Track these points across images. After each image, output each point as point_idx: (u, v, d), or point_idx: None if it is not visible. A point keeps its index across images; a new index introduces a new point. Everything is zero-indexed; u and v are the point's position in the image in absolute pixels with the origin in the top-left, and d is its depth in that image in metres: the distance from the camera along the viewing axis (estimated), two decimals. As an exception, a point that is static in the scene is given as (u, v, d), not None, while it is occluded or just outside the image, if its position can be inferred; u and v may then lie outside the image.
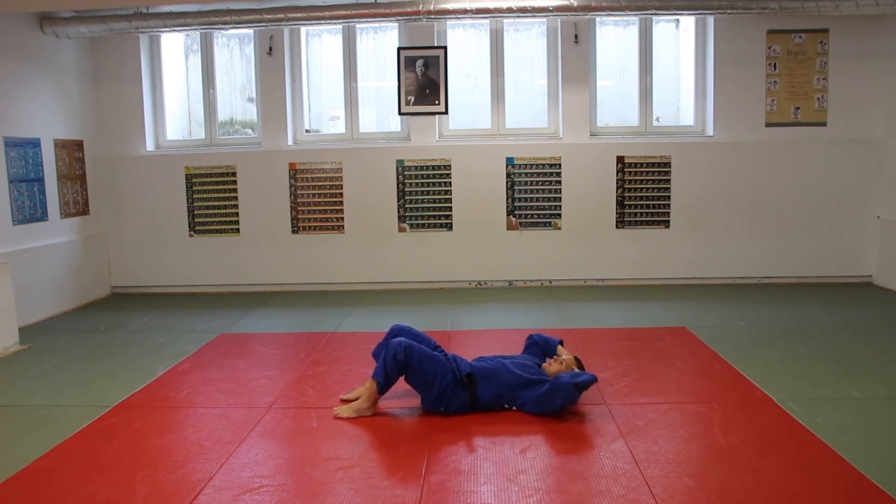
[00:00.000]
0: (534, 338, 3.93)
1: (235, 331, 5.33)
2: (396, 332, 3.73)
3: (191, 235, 6.84)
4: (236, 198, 6.77)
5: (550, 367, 3.62)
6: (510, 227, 6.69)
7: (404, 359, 3.41)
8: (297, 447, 3.20)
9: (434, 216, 6.71)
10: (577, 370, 3.55)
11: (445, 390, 3.44)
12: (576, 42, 6.51)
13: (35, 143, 5.84)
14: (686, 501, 2.62)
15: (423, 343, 3.67)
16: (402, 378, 3.52)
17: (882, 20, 6.30)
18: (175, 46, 6.98)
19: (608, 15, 6.09)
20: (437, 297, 6.41)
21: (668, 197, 6.60)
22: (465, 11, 5.89)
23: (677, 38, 6.80)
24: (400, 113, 6.66)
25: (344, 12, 6.00)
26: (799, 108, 6.52)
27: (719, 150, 6.55)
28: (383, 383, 3.46)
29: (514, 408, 3.51)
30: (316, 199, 6.74)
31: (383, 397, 3.62)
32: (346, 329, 5.28)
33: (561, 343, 3.92)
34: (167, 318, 5.79)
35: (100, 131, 6.77)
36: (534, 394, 3.45)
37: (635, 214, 6.64)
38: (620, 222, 6.65)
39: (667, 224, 6.63)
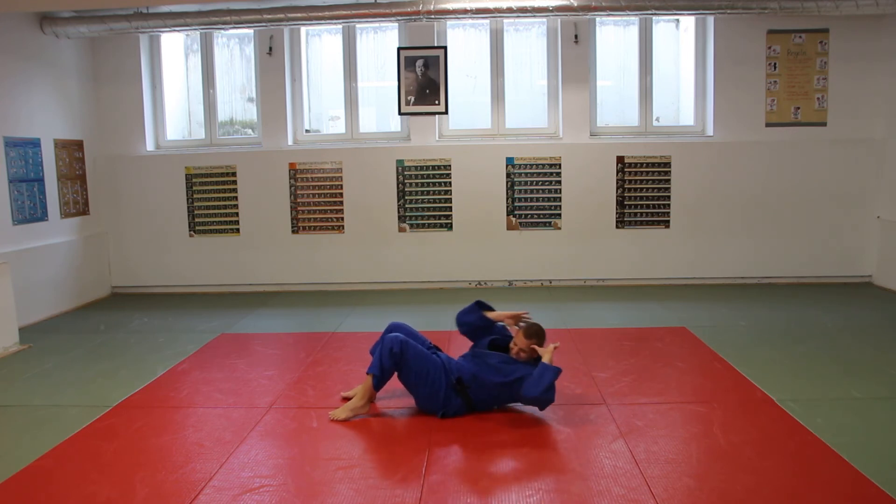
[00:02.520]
0: (463, 329, 3.81)
1: (235, 331, 5.33)
2: (393, 329, 3.73)
3: (191, 235, 6.84)
4: (236, 198, 6.77)
5: (516, 354, 3.54)
6: (510, 227, 6.69)
7: (400, 352, 3.41)
8: (297, 447, 3.20)
9: (434, 216, 6.71)
10: (540, 366, 3.39)
11: (439, 392, 3.44)
12: (576, 42, 6.51)
13: (35, 143, 5.84)
14: (686, 501, 2.62)
15: (418, 342, 3.67)
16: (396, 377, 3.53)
17: (882, 20, 6.30)
18: (175, 46, 6.98)
19: (608, 15, 6.10)
20: (437, 297, 6.41)
21: (668, 197, 6.60)
22: (465, 11, 5.89)
23: (677, 38, 6.80)
24: (400, 113, 6.66)
25: (344, 12, 6.00)
26: (799, 108, 6.52)
27: (719, 150, 6.55)
28: (379, 377, 3.46)
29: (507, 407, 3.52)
30: (316, 199, 6.74)
31: (383, 397, 3.63)
32: (346, 329, 5.28)
33: (479, 305, 3.77)
34: (167, 318, 5.79)
35: (100, 131, 6.77)
36: (518, 393, 3.41)
37: (635, 214, 6.64)
38: (620, 222, 6.65)
39: (667, 224, 6.63)
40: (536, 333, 3.54)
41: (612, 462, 2.95)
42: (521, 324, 3.62)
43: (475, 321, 3.78)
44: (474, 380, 3.48)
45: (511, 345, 3.60)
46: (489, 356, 3.61)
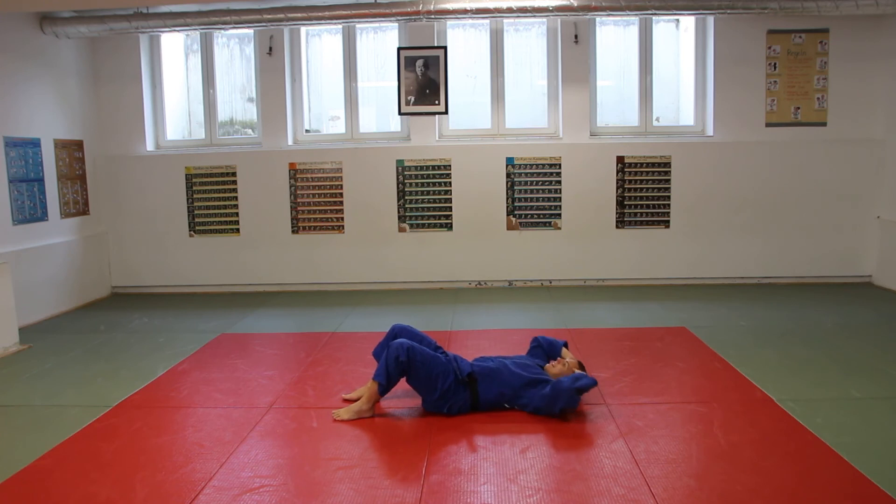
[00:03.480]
0: (538, 340, 3.92)
1: (235, 331, 5.33)
2: (397, 331, 3.73)
3: (191, 235, 6.84)
4: (236, 198, 6.77)
5: (553, 368, 3.62)
6: (510, 227, 6.70)
7: (406, 360, 3.39)
8: (297, 447, 3.20)
9: (434, 216, 6.71)
10: (578, 373, 3.54)
11: (447, 391, 3.44)
12: (576, 42, 6.51)
13: (35, 143, 5.84)
14: (686, 501, 2.62)
15: (424, 344, 3.66)
16: (402, 379, 3.52)
17: (882, 20, 6.30)
18: (175, 46, 6.98)
19: (608, 15, 6.09)
20: (437, 297, 6.41)
21: (668, 197, 6.60)
22: (465, 11, 5.89)
23: (677, 38, 6.80)
24: (400, 113, 6.66)
25: (344, 12, 6.01)
26: (799, 108, 6.52)
27: (719, 150, 6.55)
28: (385, 385, 3.44)
29: (514, 407, 3.52)
30: (316, 199, 6.74)
31: (384, 397, 3.62)
32: (346, 329, 5.28)
33: (565, 345, 3.92)
34: (167, 318, 5.79)
35: (100, 131, 6.77)
36: (535, 394, 3.45)
37: (635, 214, 6.64)
38: (620, 222, 6.65)
39: (667, 224, 6.63)
40: (581, 366, 3.68)
41: (612, 462, 2.95)
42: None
43: (549, 346, 3.86)
44: (489, 374, 3.50)
45: (553, 362, 3.68)
46: (526, 360, 3.71)
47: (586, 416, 3.45)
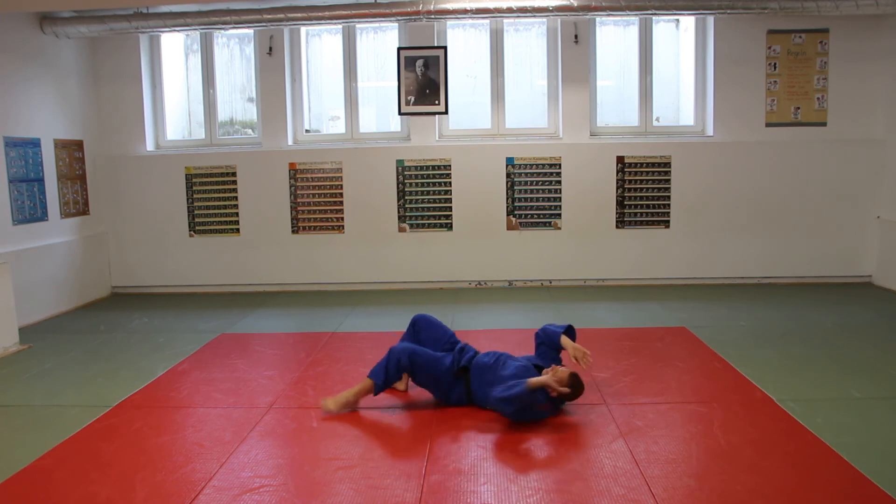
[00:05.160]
0: (539, 336, 3.76)
1: (235, 331, 5.33)
2: (417, 321, 3.87)
3: (191, 235, 6.84)
4: (236, 198, 6.77)
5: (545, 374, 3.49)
6: (510, 227, 6.69)
7: (409, 364, 3.50)
8: (297, 447, 3.20)
9: (434, 216, 6.71)
10: (517, 381, 3.32)
11: (448, 390, 3.58)
12: (576, 42, 6.51)
13: (35, 143, 5.84)
14: (686, 501, 2.62)
15: (442, 332, 3.79)
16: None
17: (882, 20, 6.30)
18: (175, 46, 6.98)
19: (608, 15, 6.10)
20: (437, 297, 6.41)
21: (669, 197, 6.60)
22: (465, 11, 5.89)
23: (677, 38, 6.80)
24: (400, 113, 6.66)
25: (344, 12, 6.01)
26: (799, 108, 6.52)
27: (719, 150, 6.54)
28: (381, 386, 3.54)
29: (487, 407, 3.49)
30: (316, 199, 6.74)
31: (384, 396, 3.66)
32: (346, 329, 5.28)
33: (567, 331, 3.70)
34: (167, 318, 5.79)
35: (100, 131, 6.77)
36: (490, 395, 3.39)
37: (635, 214, 6.64)
38: (620, 222, 6.65)
39: (667, 224, 6.63)
40: (572, 385, 3.39)
41: (612, 462, 2.95)
42: (581, 362, 3.56)
43: (553, 336, 3.69)
44: (480, 372, 3.50)
45: (547, 370, 3.48)
46: (519, 360, 3.58)
47: (586, 416, 3.45)
